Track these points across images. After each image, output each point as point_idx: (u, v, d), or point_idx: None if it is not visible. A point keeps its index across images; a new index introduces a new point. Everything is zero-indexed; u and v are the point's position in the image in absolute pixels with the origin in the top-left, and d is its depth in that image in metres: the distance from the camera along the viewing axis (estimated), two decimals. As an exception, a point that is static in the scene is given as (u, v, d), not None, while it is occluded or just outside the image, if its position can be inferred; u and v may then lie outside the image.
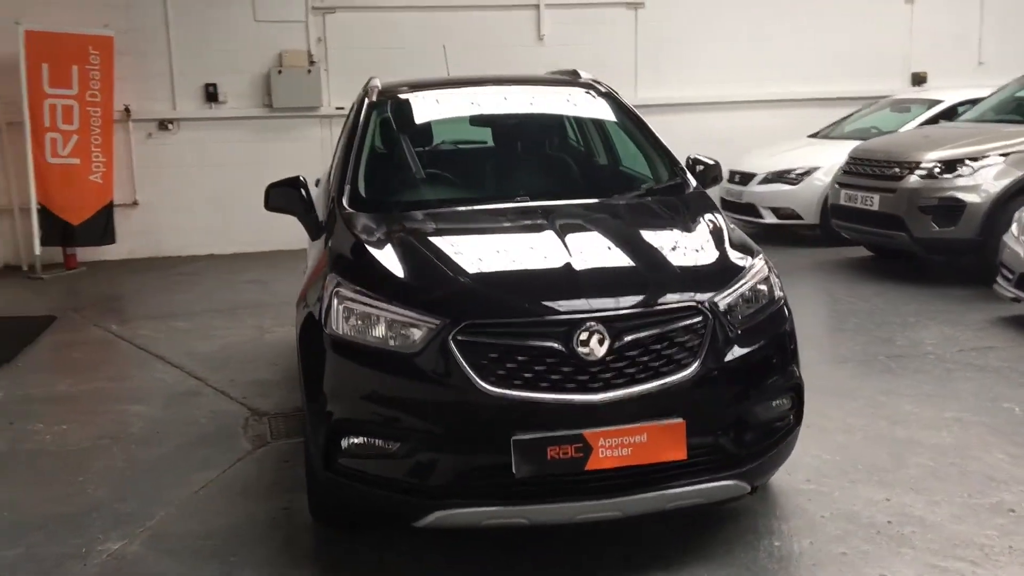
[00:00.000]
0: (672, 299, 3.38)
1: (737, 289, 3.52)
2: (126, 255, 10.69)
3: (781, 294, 3.73)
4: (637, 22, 11.76)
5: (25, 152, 9.81)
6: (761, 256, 3.79)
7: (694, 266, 3.63)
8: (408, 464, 3.26)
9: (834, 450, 4.53)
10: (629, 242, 3.80)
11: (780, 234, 10.57)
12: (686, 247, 3.75)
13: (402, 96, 5.07)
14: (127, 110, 10.58)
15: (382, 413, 3.29)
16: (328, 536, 3.86)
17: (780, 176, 10.47)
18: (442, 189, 4.65)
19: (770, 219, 10.54)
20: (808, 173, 10.32)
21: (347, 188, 4.28)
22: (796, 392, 3.66)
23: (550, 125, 5.10)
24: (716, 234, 3.88)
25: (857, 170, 8.79)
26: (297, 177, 4.47)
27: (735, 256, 3.73)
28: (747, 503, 3.94)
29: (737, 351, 3.41)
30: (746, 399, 3.43)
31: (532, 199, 4.24)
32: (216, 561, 3.68)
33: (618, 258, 3.68)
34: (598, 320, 3.21)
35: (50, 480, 4.54)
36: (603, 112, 5.03)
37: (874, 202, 8.38)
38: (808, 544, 3.65)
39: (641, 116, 5.13)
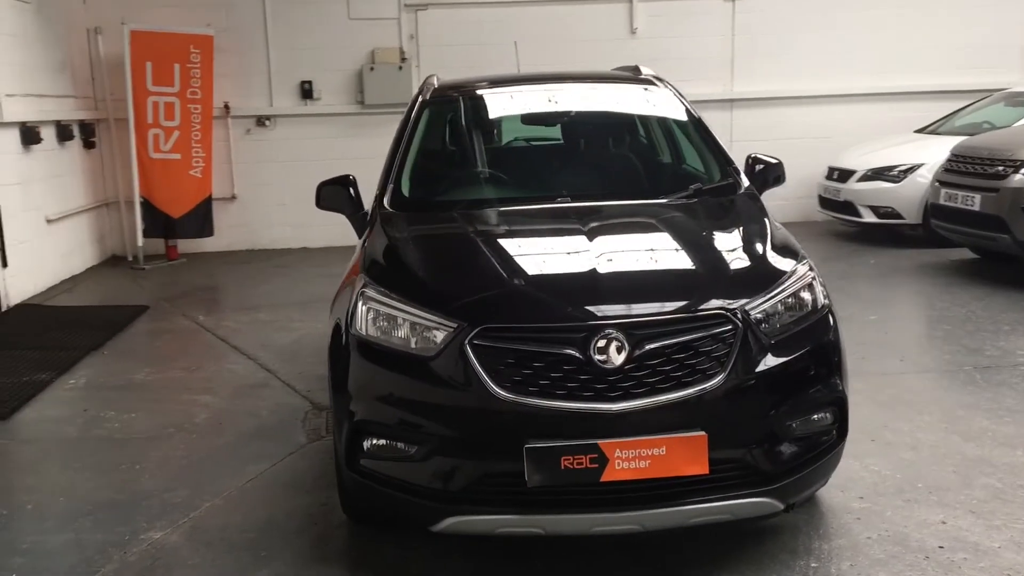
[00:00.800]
0: (699, 306, 3.25)
1: (773, 297, 3.36)
2: (224, 247, 11.05)
3: (825, 302, 3.55)
4: (734, 13, 11.46)
5: (129, 147, 10.21)
6: (806, 262, 3.61)
7: (727, 272, 3.48)
8: (424, 468, 3.23)
9: (896, 466, 4.30)
10: (662, 247, 3.69)
11: (880, 234, 10.15)
12: (723, 252, 3.61)
13: (455, 94, 5.04)
14: (226, 107, 10.90)
15: (401, 416, 3.27)
16: (359, 533, 3.87)
17: (880, 173, 10.03)
18: (486, 189, 4.61)
19: (869, 218, 10.12)
20: (911, 170, 9.86)
21: (390, 187, 4.28)
22: (838, 407, 3.48)
23: (604, 123, 4.99)
24: (758, 238, 3.72)
25: (959, 168, 8.35)
26: (347, 176, 4.51)
27: (775, 262, 3.56)
28: (791, 520, 3.77)
29: (770, 362, 3.25)
30: (779, 413, 3.27)
31: (576, 199, 4.16)
32: (248, 554, 3.73)
33: (647, 263, 3.57)
34: (617, 327, 3.12)
35: (110, 467, 4.69)
36: (660, 109, 4.90)
37: (975, 202, 7.94)
38: (847, 567, 3.46)
39: (701, 113, 5.00)
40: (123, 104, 10.21)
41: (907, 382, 5.51)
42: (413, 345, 3.28)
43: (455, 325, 3.20)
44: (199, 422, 5.30)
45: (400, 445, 3.27)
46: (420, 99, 4.86)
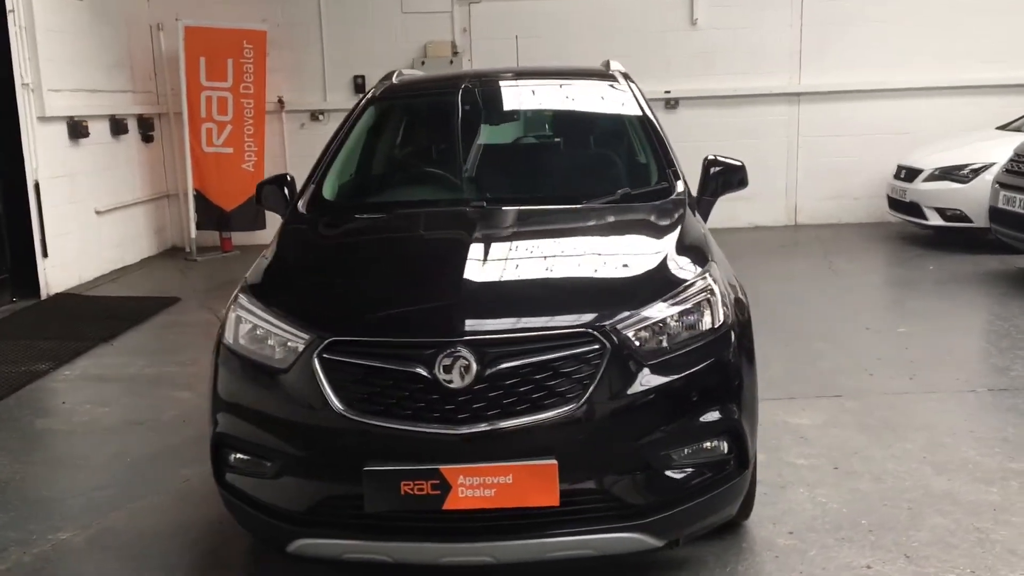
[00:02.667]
0: (562, 323, 3.00)
1: (652, 314, 3.08)
2: (277, 240, 11.16)
3: (725, 320, 3.23)
4: (802, 2, 10.87)
5: (184, 141, 10.43)
6: (707, 276, 3.29)
7: (604, 286, 3.21)
8: (274, 486, 3.10)
9: (847, 499, 3.94)
10: (548, 258, 3.44)
11: (952, 238, 9.48)
12: (610, 264, 3.34)
13: (404, 93, 4.87)
14: (281, 101, 11.02)
15: (255, 430, 3.14)
16: (258, 547, 3.75)
17: (948, 173, 9.37)
18: (405, 192, 4.44)
19: (935, 221, 9.47)
20: (982, 170, 9.15)
21: (310, 189, 4.16)
22: (733, 436, 3.17)
23: (550, 124, 4.73)
24: (659, 249, 3.42)
25: (1021, 169, 7.70)
26: (284, 175, 4.41)
27: (667, 275, 3.27)
28: (697, 554, 3.49)
29: (645, 385, 2.98)
30: (653, 442, 3.00)
31: (493, 203, 3.94)
32: (138, 563, 3.67)
33: (522, 275, 3.34)
34: (466, 345, 2.90)
35: (58, 461, 4.74)
36: (613, 108, 4.60)
37: (1033, 206, 7.31)
38: (737, 612, 3.16)
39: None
40: (177, 99, 10.43)
41: (905, 403, 5.07)
42: (270, 357, 3.14)
43: (307, 337, 3.05)
44: (165, 419, 5.31)
45: (256, 461, 3.15)
46: (367, 97, 4.71)
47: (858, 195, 11.16)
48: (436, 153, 4.70)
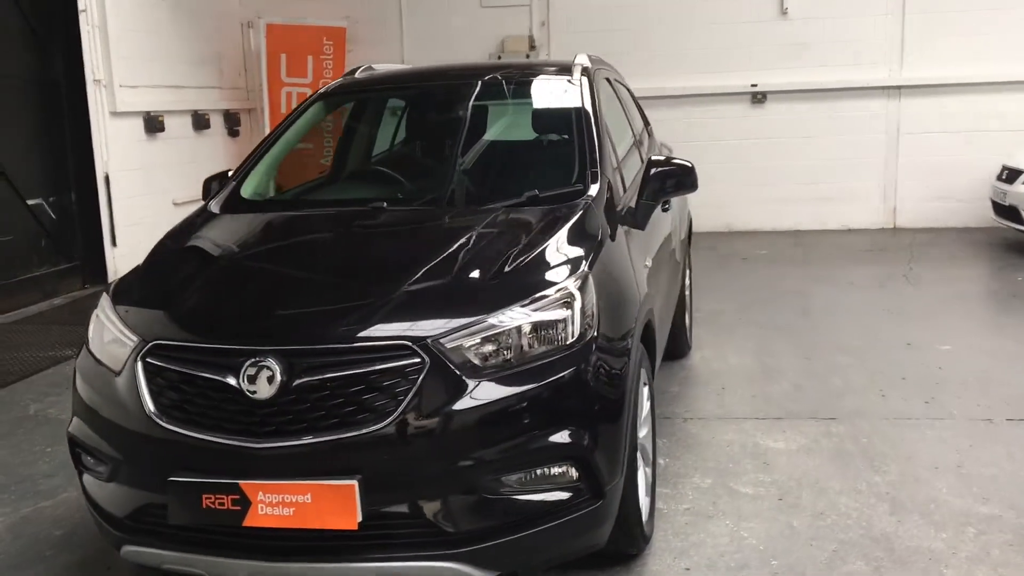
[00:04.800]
0: (378, 335, 2.81)
1: (487, 327, 2.85)
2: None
3: (584, 336, 2.95)
4: (905, -11, 10.13)
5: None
6: (567, 287, 3.02)
7: (439, 297, 2.98)
8: (106, 490, 3.06)
9: (771, 536, 3.57)
10: (395, 264, 3.25)
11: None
12: (464, 272, 3.11)
13: (355, 88, 4.75)
14: (361, 96, 11.11)
15: (92, 432, 3.10)
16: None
17: (1051, 175, 8.51)
18: (320, 191, 4.34)
19: (1034, 226, 8.63)
20: (1090, 172, 8.27)
21: (231, 186, 4.10)
22: (583, 463, 2.90)
23: (483, 123, 4.49)
24: (524, 257, 3.17)
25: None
26: (227, 171, 4.38)
27: (520, 286, 3.01)
28: (569, 587, 3.23)
29: (469, 403, 2.76)
30: (477, 464, 2.77)
31: (399, 204, 3.78)
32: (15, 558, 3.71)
33: (354, 283, 3.16)
34: (273, 354, 2.76)
35: (29, 447, 4.87)
36: (554, 106, 4.32)
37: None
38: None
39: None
40: (258, 95, 10.70)
41: (902, 429, 4.59)
42: (110, 359, 3.09)
43: (135, 340, 2.99)
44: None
45: (96, 463, 3.12)
46: (318, 92, 4.63)
47: (963, 197, 10.30)
48: (369, 152, 4.56)
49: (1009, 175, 8.90)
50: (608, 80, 4.85)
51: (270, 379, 2.73)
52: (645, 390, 3.58)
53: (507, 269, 3.10)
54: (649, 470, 3.65)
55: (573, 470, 2.90)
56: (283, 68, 10.61)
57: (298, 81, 10.64)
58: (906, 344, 6.03)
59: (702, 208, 10.67)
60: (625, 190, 4.05)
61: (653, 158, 4.02)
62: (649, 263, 3.84)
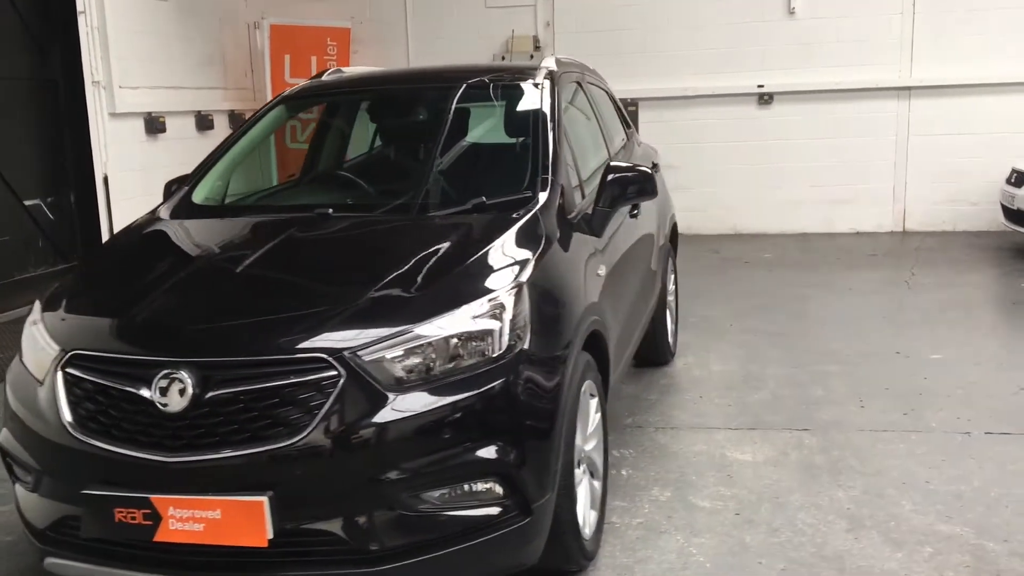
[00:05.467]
0: (292, 347, 2.75)
1: (408, 339, 2.78)
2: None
3: (512, 348, 2.88)
4: (914, -14, 9.93)
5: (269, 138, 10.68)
6: (494, 301, 2.94)
7: (361, 308, 2.91)
8: (30, 500, 3.03)
9: (721, 552, 3.48)
10: (320, 274, 3.19)
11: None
12: (390, 283, 3.03)
13: (311, 92, 4.70)
14: (366, 97, 11.09)
15: (17, 443, 3.06)
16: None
17: (1060, 178, 8.30)
18: (270, 196, 4.28)
19: (1042, 231, 8.42)
20: (1101, 175, 8.06)
21: (185, 189, 4.06)
22: (509, 480, 2.83)
23: (440, 129, 4.41)
24: (454, 267, 3.09)
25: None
26: (186, 175, 4.34)
27: (445, 298, 2.93)
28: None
29: (387, 417, 2.69)
30: (395, 480, 2.70)
31: (343, 210, 3.72)
32: None
33: (278, 292, 3.10)
34: (185, 366, 2.71)
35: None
36: (513, 111, 4.23)
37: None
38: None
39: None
40: (263, 95, 10.69)
41: (875, 442, 4.46)
42: (36, 367, 3.05)
43: (57, 349, 2.95)
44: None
45: (23, 472, 3.08)
46: (278, 96, 4.58)
47: (976, 200, 10.09)
48: (328, 157, 4.50)
49: (1018, 178, 8.69)
50: (579, 84, 4.76)
51: (182, 391, 2.69)
52: (593, 402, 3.50)
53: (438, 279, 3.03)
54: (598, 483, 3.57)
55: (498, 487, 2.83)
56: (287, 69, 10.61)
57: (301, 82, 10.61)
58: (895, 353, 5.89)
59: (707, 211, 10.61)
60: (584, 196, 3.97)
61: (612, 163, 3.92)
62: (603, 272, 3.75)
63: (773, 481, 4.09)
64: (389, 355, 2.75)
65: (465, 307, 2.88)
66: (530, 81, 4.22)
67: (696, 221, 10.66)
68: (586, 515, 3.34)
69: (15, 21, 8.24)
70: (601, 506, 3.58)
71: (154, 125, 9.36)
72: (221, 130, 10.67)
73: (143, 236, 3.73)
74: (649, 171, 3.92)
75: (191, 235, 3.72)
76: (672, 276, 5.99)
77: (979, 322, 6.68)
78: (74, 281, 3.46)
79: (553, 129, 3.90)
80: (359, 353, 2.72)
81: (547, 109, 4.01)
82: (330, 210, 3.64)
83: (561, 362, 3.06)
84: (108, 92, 8.74)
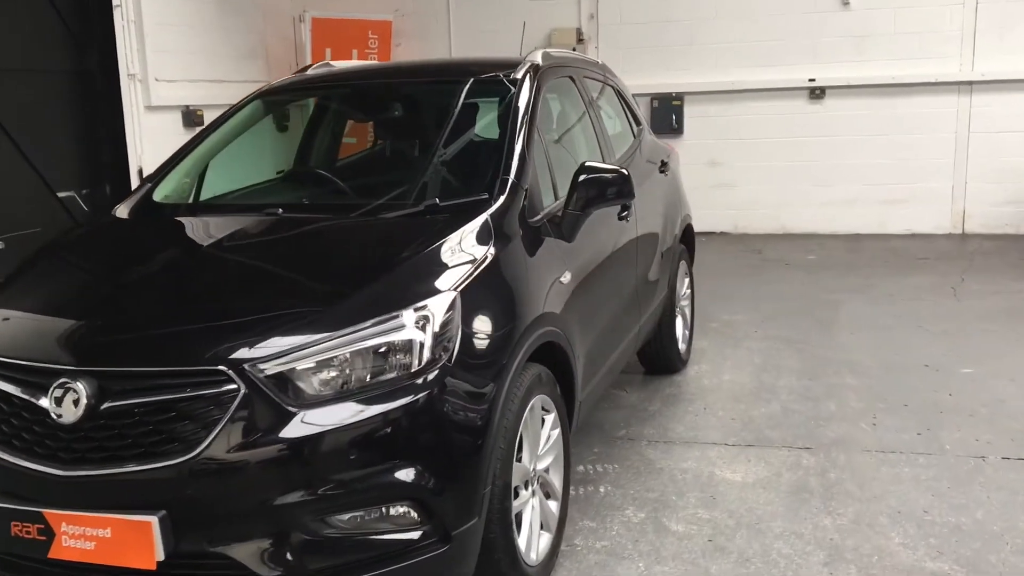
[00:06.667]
0: (191, 358, 2.60)
1: (318, 350, 2.61)
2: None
3: (434, 363, 2.68)
4: (977, -25, 9.40)
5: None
6: (420, 310, 2.75)
7: (270, 317, 2.74)
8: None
9: (683, 583, 3.24)
10: (239, 280, 3.05)
11: None
12: (308, 289, 2.87)
13: (288, 88, 4.55)
14: (408, 90, 10.98)
15: None
16: None
17: None
18: (231, 195, 4.12)
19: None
20: None
21: (145, 188, 3.96)
22: (420, 504, 2.64)
23: (410, 128, 4.21)
24: (380, 274, 2.91)
25: None
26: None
27: (365, 306, 2.75)
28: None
29: (290, 435, 2.53)
30: (298, 503, 2.54)
31: (296, 210, 3.58)
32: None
33: (185, 299, 2.96)
34: (81, 375, 2.58)
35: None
36: (485, 110, 4.01)
37: None
38: None
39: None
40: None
41: (879, 464, 4.16)
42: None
43: None
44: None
45: None
46: (256, 91, 4.45)
47: (1043, 205, 9.53)
48: (300, 154, 4.36)
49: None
50: (572, 79, 4.53)
51: (76, 402, 2.56)
52: (549, 418, 3.30)
53: (363, 286, 2.86)
54: (556, 503, 3.36)
55: (414, 512, 2.65)
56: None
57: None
58: (923, 365, 5.53)
59: (754, 209, 10.24)
60: (559, 198, 3.76)
61: (586, 164, 3.69)
62: (568, 279, 3.52)
63: (758, 504, 3.83)
64: (298, 367, 2.59)
65: (385, 317, 2.70)
66: (507, 76, 4.01)
67: (743, 220, 10.32)
68: (532, 540, 3.14)
69: (51, 13, 8.31)
70: (558, 528, 3.38)
71: (192, 118, 9.39)
72: (265, 123, 10.66)
73: (82, 236, 3.66)
74: (626, 172, 3.68)
75: (131, 237, 3.62)
76: (686, 280, 5.72)
77: (1022, 334, 6.25)
78: (3, 281, 3.38)
79: (522, 127, 3.68)
80: (261, 365, 2.56)
81: (520, 106, 3.80)
82: (280, 210, 3.50)
83: (495, 377, 2.86)
84: (144, 85, 8.79)
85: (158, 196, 3.93)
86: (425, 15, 10.89)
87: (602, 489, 4.02)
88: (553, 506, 3.35)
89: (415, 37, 10.87)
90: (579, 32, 10.40)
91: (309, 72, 4.64)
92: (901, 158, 9.81)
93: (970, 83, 9.55)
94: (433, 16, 10.88)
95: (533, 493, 3.19)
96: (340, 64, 4.82)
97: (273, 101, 4.52)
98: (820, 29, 9.79)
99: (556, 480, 3.37)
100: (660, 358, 5.41)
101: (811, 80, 9.88)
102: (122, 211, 3.86)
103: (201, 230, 3.55)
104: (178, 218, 3.79)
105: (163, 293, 3.01)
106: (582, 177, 3.63)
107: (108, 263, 3.40)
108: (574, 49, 10.19)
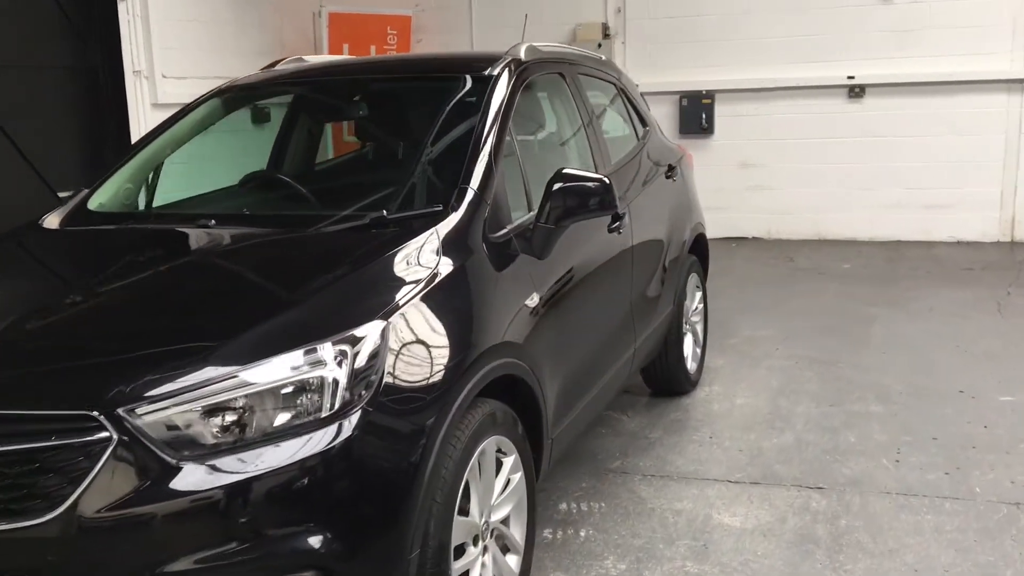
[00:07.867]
0: (57, 401, 2.23)
1: (212, 392, 2.23)
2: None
3: (348, 407, 2.29)
4: (1028, -35, 8.79)
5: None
6: (340, 341, 2.36)
7: (154, 353, 2.36)
8: None
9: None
10: (139, 307, 2.67)
11: None
12: (217, 318, 2.49)
13: (248, 87, 4.20)
14: (428, 88, 10.62)
15: None
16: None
17: None
18: (175, 204, 3.77)
19: None
20: None
21: (81, 195, 3.62)
22: (328, 573, 2.25)
23: (371, 131, 3.81)
24: (307, 297, 2.53)
25: None
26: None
27: (271, 340, 2.36)
28: None
29: (170, 492, 2.16)
30: (178, 572, 2.16)
31: (229, 221, 3.21)
32: None
33: (76, 330, 2.58)
34: (-63, 419, 2.23)
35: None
36: (454, 112, 3.57)
37: None
38: None
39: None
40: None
41: (898, 510, 3.69)
42: None
43: None
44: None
45: None
46: (215, 89, 4.10)
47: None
48: (269, 157, 4.00)
49: None
50: (563, 76, 4.11)
51: (-74, 450, 2.21)
52: (508, 460, 2.89)
53: (274, 314, 2.47)
54: (516, 558, 2.95)
55: (314, 577, 2.26)
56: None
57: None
58: (958, 391, 5.02)
59: (790, 214, 9.72)
60: (531, 210, 3.34)
61: (563, 171, 3.27)
62: (535, 301, 3.11)
63: (754, 556, 3.38)
64: (183, 413, 2.21)
65: (292, 353, 2.32)
66: (480, 74, 3.59)
67: (776, 224, 9.81)
68: (483, 603, 2.74)
69: (52, 7, 8.07)
70: (522, 585, 2.97)
71: (203, 116, 9.11)
72: (278, 122, 10.37)
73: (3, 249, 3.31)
74: (607, 180, 3.26)
75: (41, 254, 3.28)
76: (698, 294, 5.27)
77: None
78: None
79: (491, 130, 3.28)
80: (139, 410, 2.19)
81: (491, 106, 3.39)
82: (212, 222, 3.13)
83: (432, 418, 2.46)
84: (150, 82, 8.52)
85: (92, 204, 3.59)
86: (446, 10, 10.52)
87: (583, 533, 3.60)
88: (512, 561, 2.94)
89: (436, 32, 10.51)
90: (605, 27, 9.96)
91: (278, 67, 4.27)
92: (946, 160, 9.22)
93: (1021, 81, 8.94)
94: (454, 11, 10.51)
95: (485, 549, 2.79)
96: (313, 59, 4.46)
97: (232, 99, 4.14)
98: (860, 24, 9.24)
99: (517, 531, 2.97)
100: (666, 379, 4.97)
101: (850, 78, 9.33)
102: (51, 220, 3.51)
103: (118, 246, 3.20)
104: (102, 230, 3.43)
105: (55, 322, 2.65)
106: (557, 186, 3.21)
107: (7, 285, 3.05)
108: (599, 45, 9.78)
